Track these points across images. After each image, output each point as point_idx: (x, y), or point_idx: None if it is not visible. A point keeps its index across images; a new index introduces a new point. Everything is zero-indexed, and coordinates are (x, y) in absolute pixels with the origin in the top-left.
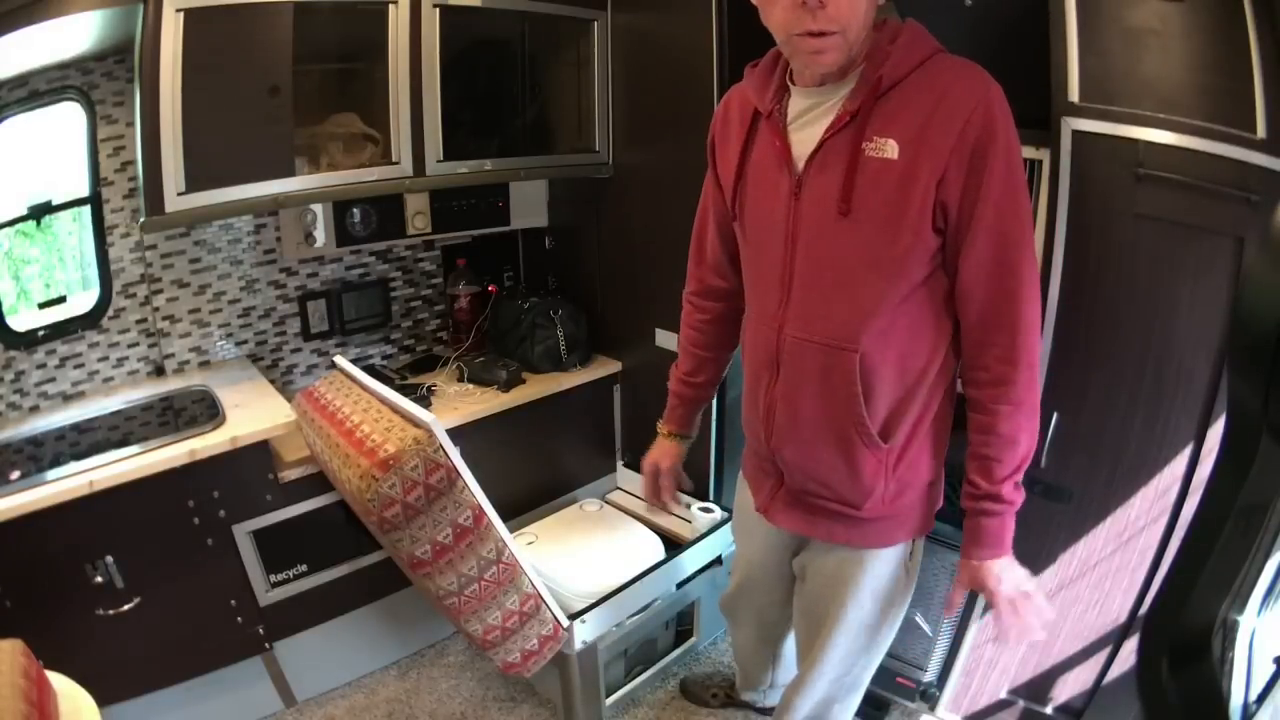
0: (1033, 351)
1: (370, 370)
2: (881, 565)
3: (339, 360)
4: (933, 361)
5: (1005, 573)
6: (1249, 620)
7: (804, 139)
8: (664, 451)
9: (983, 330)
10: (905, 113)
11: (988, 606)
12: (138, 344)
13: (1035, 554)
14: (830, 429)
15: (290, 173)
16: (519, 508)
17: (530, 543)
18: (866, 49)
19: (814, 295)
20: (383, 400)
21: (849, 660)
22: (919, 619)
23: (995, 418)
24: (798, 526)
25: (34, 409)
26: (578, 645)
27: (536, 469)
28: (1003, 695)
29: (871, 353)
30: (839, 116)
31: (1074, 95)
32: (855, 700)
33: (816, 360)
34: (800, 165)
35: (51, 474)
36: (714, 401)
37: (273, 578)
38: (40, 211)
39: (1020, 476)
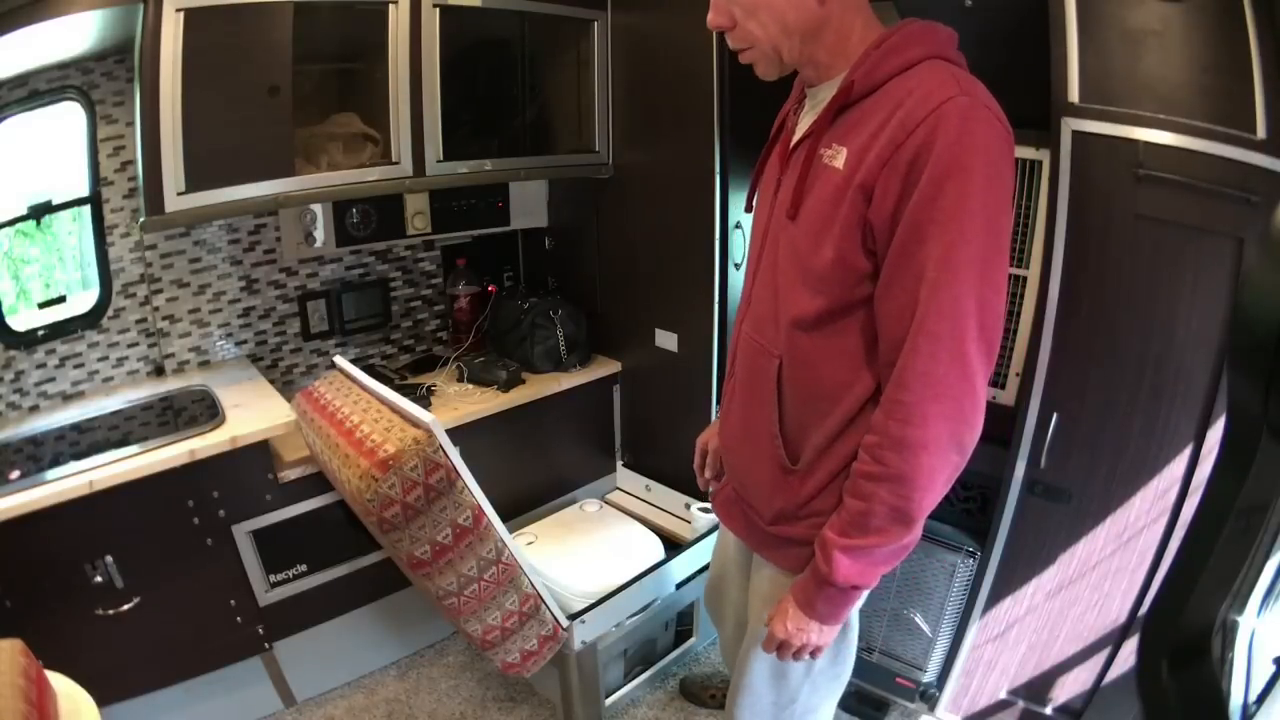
0: (919, 416)
1: (370, 370)
2: None
3: (338, 360)
4: (854, 396)
5: (796, 630)
6: (1249, 621)
7: (795, 140)
8: (713, 432)
9: (885, 369)
10: (865, 122)
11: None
12: (138, 344)
13: (1035, 554)
14: (752, 431)
15: (290, 172)
16: (519, 508)
17: (530, 543)
18: (863, 49)
19: (762, 295)
20: (382, 400)
21: (788, 685)
22: (918, 619)
23: (860, 467)
24: (728, 522)
25: (34, 409)
26: (577, 645)
27: (536, 469)
28: (1002, 695)
29: (789, 364)
30: (816, 120)
31: (1074, 95)
32: None
33: (753, 360)
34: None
35: (51, 474)
36: (713, 401)
37: (272, 578)
38: (40, 211)
39: (869, 559)
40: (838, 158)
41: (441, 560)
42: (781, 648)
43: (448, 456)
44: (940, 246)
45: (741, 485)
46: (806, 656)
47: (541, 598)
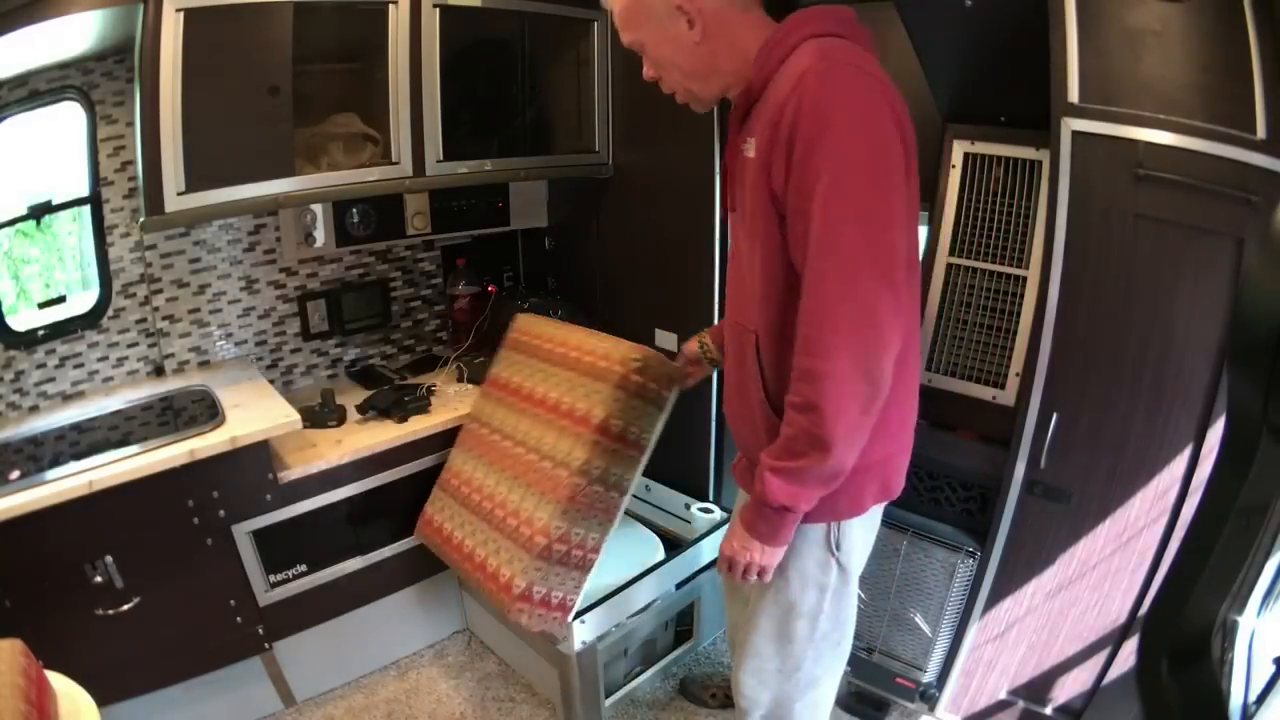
0: (819, 347)
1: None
2: (800, 542)
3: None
4: None
5: (741, 549)
6: (1249, 621)
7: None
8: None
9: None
10: (763, 110)
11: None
12: (137, 344)
13: (1035, 554)
14: (745, 402)
15: (290, 173)
16: None
17: None
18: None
19: (734, 280)
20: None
21: (793, 650)
22: (918, 619)
23: (787, 397)
24: (748, 487)
25: (34, 409)
26: (577, 645)
27: None
28: (1002, 696)
29: (764, 335)
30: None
31: (1074, 95)
32: (815, 698)
33: (736, 338)
34: None
35: (51, 474)
36: (714, 401)
37: (272, 578)
38: (40, 211)
39: (798, 482)
40: (750, 149)
41: (591, 434)
42: (731, 566)
43: (668, 401)
44: (821, 196)
45: (749, 451)
46: (754, 577)
47: (593, 564)
